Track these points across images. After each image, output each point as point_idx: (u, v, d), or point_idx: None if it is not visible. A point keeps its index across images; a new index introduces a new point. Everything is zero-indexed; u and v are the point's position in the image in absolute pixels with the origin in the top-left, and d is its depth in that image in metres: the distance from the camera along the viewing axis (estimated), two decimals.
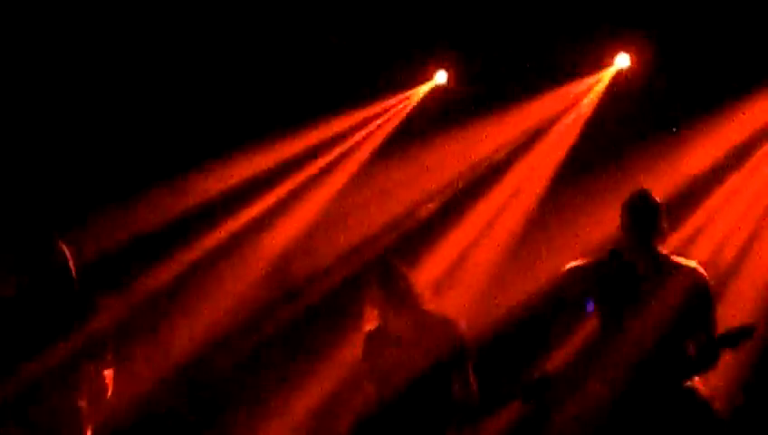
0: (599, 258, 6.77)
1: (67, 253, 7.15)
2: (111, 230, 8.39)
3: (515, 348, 7.88)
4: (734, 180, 8.29)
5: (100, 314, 7.16)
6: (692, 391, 6.51)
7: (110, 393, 7.15)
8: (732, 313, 7.17)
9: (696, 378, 6.56)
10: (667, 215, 6.63)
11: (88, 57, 8.46)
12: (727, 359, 6.82)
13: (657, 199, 6.64)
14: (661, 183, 7.71)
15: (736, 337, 6.44)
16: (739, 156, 8.26)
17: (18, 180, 8.46)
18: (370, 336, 6.93)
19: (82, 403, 7.06)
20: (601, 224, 7.49)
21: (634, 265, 6.60)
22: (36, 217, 8.18)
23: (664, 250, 6.64)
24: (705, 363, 6.52)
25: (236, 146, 8.52)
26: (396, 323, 6.83)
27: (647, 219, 6.56)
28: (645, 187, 6.80)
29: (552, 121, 8.54)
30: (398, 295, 6.81)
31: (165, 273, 8.43)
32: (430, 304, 6.91)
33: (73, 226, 7.99)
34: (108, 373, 7.16)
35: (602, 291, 6.65)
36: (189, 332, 8.40)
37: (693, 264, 6.68)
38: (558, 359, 7.04)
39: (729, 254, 8.10)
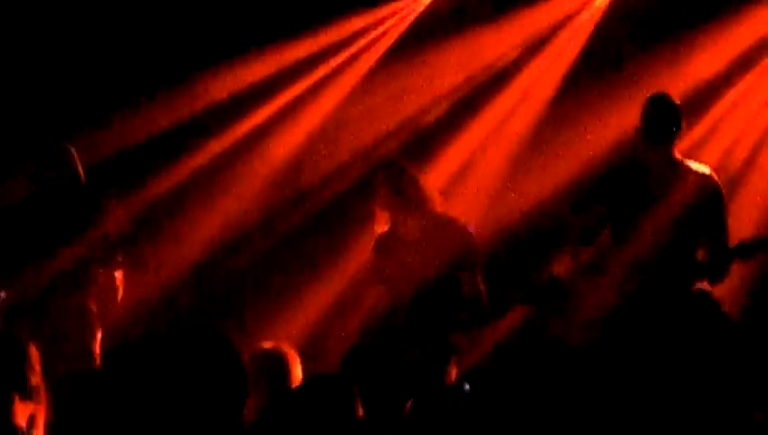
0: (612, 166, 6.86)
1: (74, 155, 7.18)
2: (121, 133, 8.37)
3: (525, 252, 7.90)
4: (741, 87, 8.26)
5: (110, 216, 7.21)
6: (703, 293, 6.58)
7: (120, 296, 7.22)
8: (737, 221, 7.16)
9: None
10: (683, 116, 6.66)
11: None
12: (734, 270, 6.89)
13: (677, 102, 6.68)
14: (669, 88, 7.74)
15: (751, 248, 6.48)
16: (746, 62, 8.22)
17: (27, 82, 8.41)
18: (381, 239, 6.99)
19: (92, 305, 7.13)
20: (610, 127, 7.49)
21: (647, 166, 6.64)
22: (45, 120, 8.16)
23: (678, 154, 6.69)
24: (716, 271, 6.54)
25: (243, 50, 8.46)
26: (407, 226, 6.89)
27: (668, 116, 6.58)
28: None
29: (561, 24, 8.48)
30: (409, 199, 6.85)
31: (174, 176, 8.42)
32: (440, 208, 6.97)
33: (83, 128, 8.00)
34: (118, 275, 7.22)
35: (615, 192, 6.69)
36: (200, 234, 8.41)
37: (706, 169, 6.72)
38: (567, 263, 7.07)
39: (736, 162, 8.11)
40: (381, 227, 7.01)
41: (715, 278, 6.58)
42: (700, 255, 6.60)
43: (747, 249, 6.48)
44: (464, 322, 6.77)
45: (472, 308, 6.77)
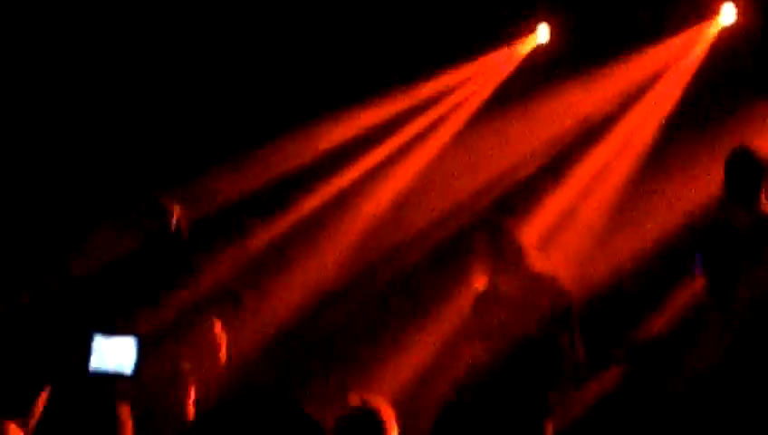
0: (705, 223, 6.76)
1: (177, 208, 7.26)
2: (220, 189, 8.48)
3: (620, 309, 7.81)
4: None
5: (208, 271, 7.27)
6: None
7: (221, 352, 7.22)
8: None
9: None
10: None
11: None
12: None
13: (760, 156, 6.56)
14: None
15: None
16: None
17: (130, 139, 8.56)
18: (480, 296, 6.96)
19: (185, 364, 7.12)
20: (705, 183, 7.38)
21: (734, 225, 6.54)
22: (149, 176, 8.28)
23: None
24: None
25: (333, 109, 8.53)
26: (505, 283, 6.86)
27: (745, 176, 6.48)
28: (752, 144, 6.73)
29: (657, 77, 8.40)
30: (508, 256, 6.82)
31: (271, 231, 8.49)
32: (538, 263, 6.92)
33: (185, 183, 8.11)
34: (217, 331, 7.23)
35: (706, 253, 6.59)
36: (297, 290, 8.45)
37: None
38: (663, 322, 6.99)
39: None
40: (479, 283, 6.99)
41: None
42: None
43: None
44: (562, 381, 6.71)
45: (570, 368, 6.71)
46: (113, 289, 7.11)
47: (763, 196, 6.53)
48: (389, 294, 8.52)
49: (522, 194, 8.35)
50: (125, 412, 4.53)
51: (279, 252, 8.51)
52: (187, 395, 7.02)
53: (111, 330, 6.71)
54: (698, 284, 6.63)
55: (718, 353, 6.50)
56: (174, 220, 7.16)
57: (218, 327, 7.20)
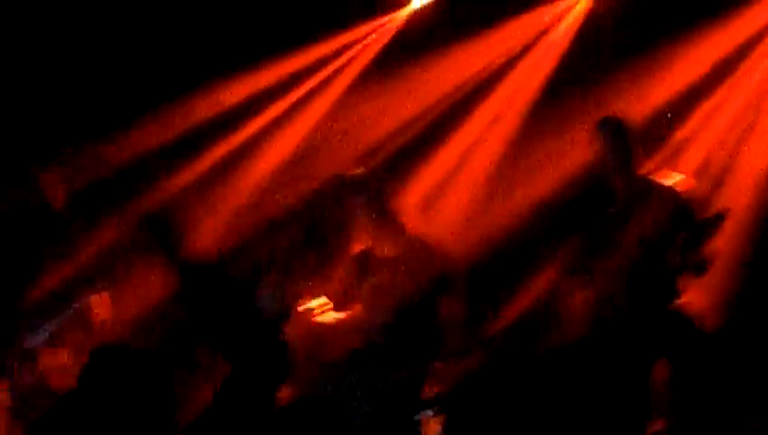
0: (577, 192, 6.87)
1: (51, 180, 7.18)
2: (109, 155, 8.40)
3: (504, 268, 7.90)
4: (720, 93, 8.26)
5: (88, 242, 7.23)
6: (677, 312, 6.56)
7: (108, 319, 7.18)
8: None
9: (685, 296, 6.59)
10: (639, 136, 6.66)
11: None
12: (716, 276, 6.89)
13: (628, 123, 6.67)
14: (644, 101, 7.77)
15: (704, 230, 6.46)
16: (724, 70, 8.21)
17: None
18: (358, 258, 6.99)
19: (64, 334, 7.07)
20: (582, 147, 7.47)
21: (611, 192, 6.64)
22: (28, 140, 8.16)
23: (643, 171, 6.68)
24: (695, 265, 6.53)
25: (212, 77, 8.47)
26: (384, 246, 6.89)
27: (618, 144, 6.59)
28: (631, 105, 6.86)
29: (539, 38, 8.48)
30: (388, 218, 6.86)
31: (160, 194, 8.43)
32: (419, 227, 6.96)
33: (78, 145, 8.03)
34: (103, 298, 7.19)
35: (582, 221, 6.69)
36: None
37: (674, 180, 6.71)
38: (542, 283, 7.09)
39: (716, 164, 8.11)
40: (359, 246, 7.02)
41: (697, 271, 6.55)
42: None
43: (701, 232, 6.46)
44: (442, 346, 6.76)
45: (451, 332, 6.77)
46: None
47: (632, 160, 6.64)
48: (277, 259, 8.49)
49: (403, 157, 8.38)
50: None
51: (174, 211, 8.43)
52: (65, 364, 7.01)
53: None
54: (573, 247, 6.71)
55: (595, 315, 6.62)
56: (45, 189, 7.08)
57: (99, 297, 7.17)
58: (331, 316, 6.91)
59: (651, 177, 6.73)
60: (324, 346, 7.08)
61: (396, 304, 6.76)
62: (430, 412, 6.41)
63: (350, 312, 6.94)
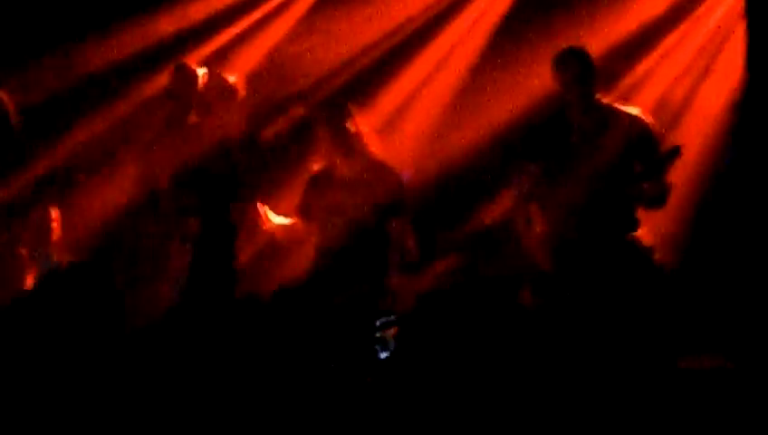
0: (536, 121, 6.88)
1: (7, 98, 7.11)
2: (58, 73, 8.30)
3: (459, 198, 7.92)
4: (679, 31, 8.30)
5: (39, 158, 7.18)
6: (632, 243, 6.60)
7: (55, 234, 7.14)
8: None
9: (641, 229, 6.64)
10: (594, 66, 6.67)
11: None
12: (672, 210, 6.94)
13: (586, 52, 6.68)
14: (603, 35, 7.79)
15: (662, 161, 6.50)
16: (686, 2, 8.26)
17: None
18: (316, 177, 7.01)
19: (22, 248, 7.07)
20: (540, 77, 7.47)
21: (571, 120, 6.66)
22: None
23: (604, 99, 6.70)
24: (653, 197, 6.55)
25: None
26: (342, 166, 6.92)
27: (580, 73, 6.59)
28: (590, 38, 6.85)
29: None
30: (346, 139, 6.88)
31: (103, 120, 8.34)
32: (377, 150, 6.98)
33: (19, 67, 7.93)
34: (53, 214, 7.15)
35: (544, 148, 6.70)
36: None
37: (634, 111, 6.74)
38: (498, 210, 7.11)
39: (677, 96, 8.16)
40: (317, 165, 7.04)
41: (657, 202, 6.60)
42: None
43: (657, 165, 6.49)
44: (393, 266, 6.80)
45: (401, 253, 6.81)
46: None
47: (592, 88, 6.65)
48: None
49: (365, 81, 8.35)
50: None
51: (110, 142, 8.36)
52: (24, 277, 6.99)
53: None
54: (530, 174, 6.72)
55: (554, 241, 6.64)
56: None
57: (52, 212, 7.13)
58: (280, 223, 6.97)
59: (613, 106, 6.73)
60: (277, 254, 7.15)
61: (348, 223, 6.79)
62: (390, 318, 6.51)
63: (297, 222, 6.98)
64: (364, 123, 7.03)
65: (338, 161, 6.95)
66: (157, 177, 7.15)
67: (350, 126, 6.91)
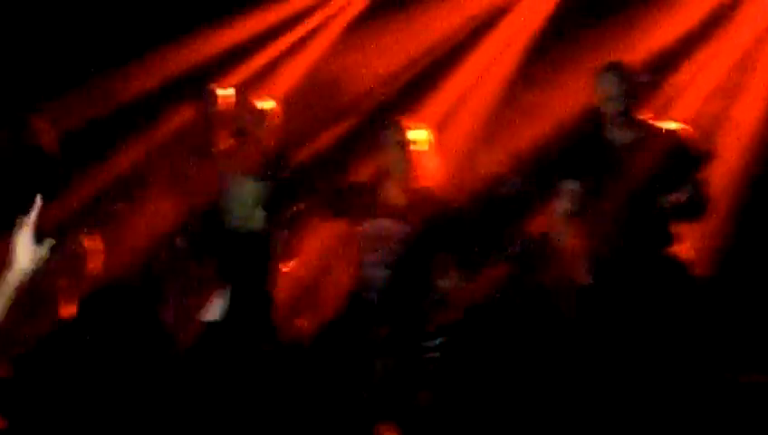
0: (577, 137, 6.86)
1: (45, 127, 7.14)
2: (95, 101, 8.36)
3: (498, 212, 7.91)
4: (714, 44, 8.27)
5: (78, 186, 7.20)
6: (669, 257, 6.58)
7: (94, 263, 7.14)
8: (718, 167, 7.16)
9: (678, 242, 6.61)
10: (639, 81, 6.65)
11: None
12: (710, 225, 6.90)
13: (628, 68, 6.66)
14: (638, 49, 7.77)
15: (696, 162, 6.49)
16: (720, 17, 8.23)
17: None
18: (365, 202, 6.91)
19: (58, 280, 7.04)
20: (577, 93, 7.47)
21: (611, 138, 6.64)
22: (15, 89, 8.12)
23: (643, 115, 6.68)
24: (692, 209, 6.54)
25: (216, 16, 8.48)
26: (391, 194, 6.83)
27: (618, 90, 6.58)
28: (626, 53, 6.83)
29: None
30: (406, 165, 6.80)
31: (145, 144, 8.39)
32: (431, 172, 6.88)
33: (57, 96, 7.98)
34: (93, 244, 7.16)
35: (583, 165, 6.69)
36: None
37: (673, 126, 6.71)
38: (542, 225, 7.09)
39: (712, 110, 8.15)
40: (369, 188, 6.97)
41: (694, 215, 6.55)
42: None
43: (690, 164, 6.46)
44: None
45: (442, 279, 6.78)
46: None
47: (633, 105, 6.64)
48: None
49: (399, 101, 8.35)
50: None
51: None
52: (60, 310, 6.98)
53: None
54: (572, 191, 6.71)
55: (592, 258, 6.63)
56: (32, 133, 7.04)
57: (90, 241, 7.14)
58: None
59: (650, 122, 6.72)
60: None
61: (390, 251, 6.73)
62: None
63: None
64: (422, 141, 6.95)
65: (388, 188, 6.86)
66: (190, 210, 7.14)
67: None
